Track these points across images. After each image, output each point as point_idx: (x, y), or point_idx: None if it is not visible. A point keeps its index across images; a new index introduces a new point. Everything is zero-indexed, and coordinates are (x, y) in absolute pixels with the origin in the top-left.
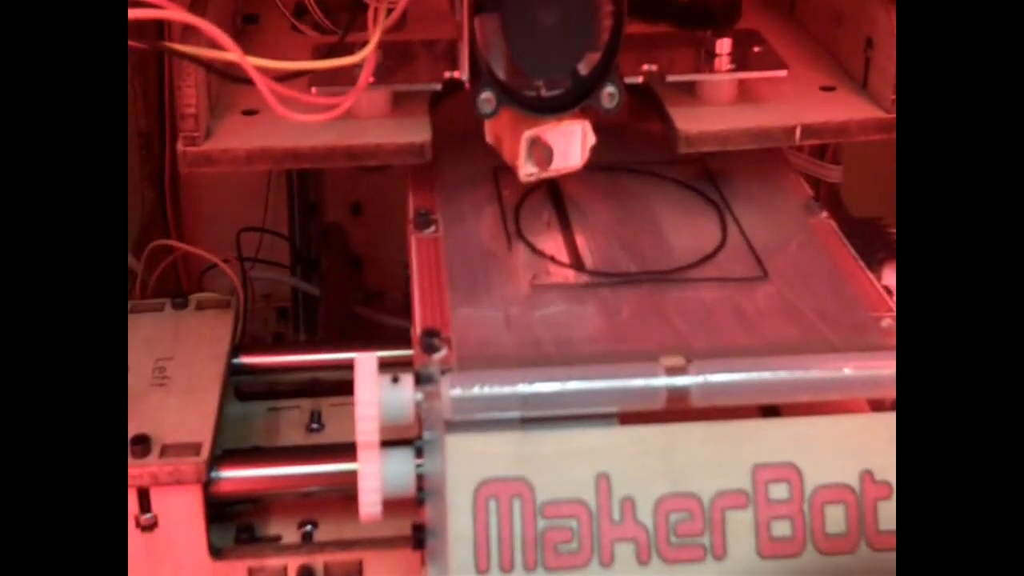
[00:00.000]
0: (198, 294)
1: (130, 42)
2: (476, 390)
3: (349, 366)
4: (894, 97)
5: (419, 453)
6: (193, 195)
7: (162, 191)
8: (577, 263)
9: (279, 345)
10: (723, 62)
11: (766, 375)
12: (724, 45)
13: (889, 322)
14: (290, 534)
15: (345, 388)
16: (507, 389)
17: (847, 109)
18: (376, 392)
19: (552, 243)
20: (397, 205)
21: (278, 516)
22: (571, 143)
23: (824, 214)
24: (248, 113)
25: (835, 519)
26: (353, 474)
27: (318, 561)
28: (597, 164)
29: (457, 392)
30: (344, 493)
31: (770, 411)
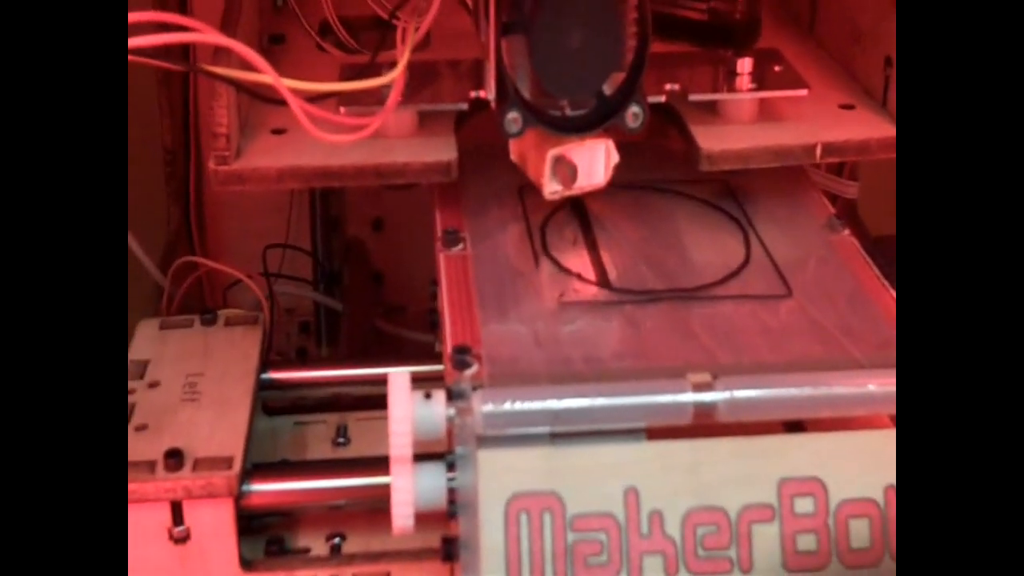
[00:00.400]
0: (226, 310)
1: (166, 63)
2: (507, 406)
3: (374, 381)
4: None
5: (451, 467)
6: (217, 211)
7: (187, 208)
8: (603, 280)
9: (305, 361)
10: (744, 81)
11: (791, 391)
12: (745, 64)
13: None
14: (319, 547)
15: (370, 403)
16: (537, 405)
17: (867, 127)
18: (409, 408)
19: (578, 261)
20: (418, 221)
21: (307, 529)
22: (595, 161)
23: (846, 231)
24: (277, 132)
25: (859, 533)
26: (380, 487)
27: (346, 573)
28: (621, 182)
29: (489, 408)
30: (371, 506)
31: (795, 427)
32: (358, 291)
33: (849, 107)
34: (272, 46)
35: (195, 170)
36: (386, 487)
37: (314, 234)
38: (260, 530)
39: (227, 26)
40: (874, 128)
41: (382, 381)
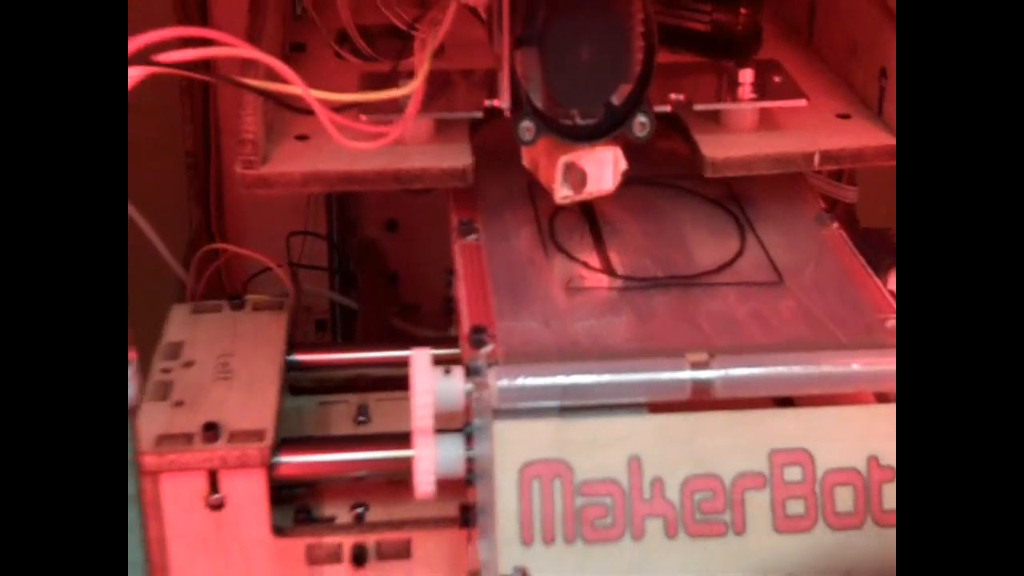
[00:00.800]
0: (253, 296)
1: (198, 75)
2: (520, 381)
3: (393, 364)
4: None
5: (468, 439)
6: (237, 214)
7: (207, 208)
8: (608, 268)
9: (329, 344)
10: (746, 91)
11: (781, 370)
12: (747, 75)
13: (893, 323)
14: (343, 515)
15: (389, 384)
16: (548, 380)
17: (863, 136)
18: (431, 382)
19: (585, 251)
20: (431, 223)
21: (332, 499)
22: (604, 168)
23: (835, 225)
24: (300, 139)
25: (844, 499)
26: (401, 460)
27: (370, 540)
28: (626, 179)
29: (504, 383)
30: (392, 478)
31: (785, 402)
32: (373, 290)
33: (846, 116)
34: (293, 54)
35: (215, 173)
36: (406, 460)
37: (331, 235)
38: (289, 500)
39: (252, 37)
40: (870, 137)
41: (400, 363)
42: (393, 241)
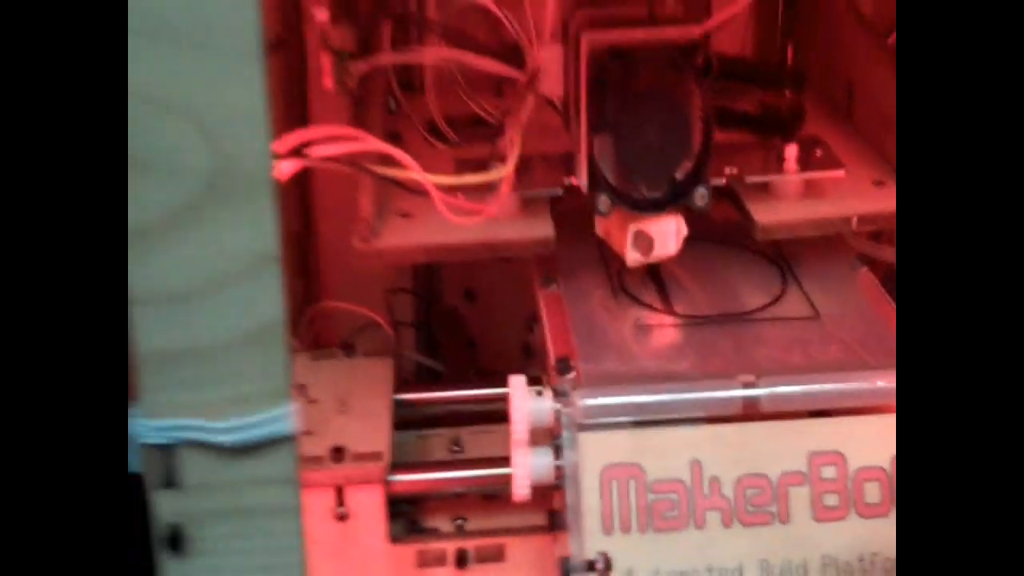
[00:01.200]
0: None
1: (341, 165)
2: (600, 400)
3: (482, 400)
4: None
5: (556, 451)
6: (330, 286)
7: (308, 279)
8: (670, 310)
9: (425, 384)
10: (791, 164)
11: (816, 387)
12: (791, 150)
13: None
14: (445, 526)
15: (477, 419)
16: (623, 400)
17: (894, 200)
18: (527, 402)
19: (650, 297)
20: (506, 293)
21: (436, 513)
22: (668, 235)
23: (864, 269)
24: (403, 215)
25: (871, 492)
26: (494, 477)
27: (470, 545)
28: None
29: (588, 401)
30: (486, 493)
31: (820, 413)
32: (453, 355)
33: (880, 183)
34: (392, 142)
35: (314, 246)
36: (499, 477)
37: (418, 297)
38: (400, 514)
39: (367, 127)
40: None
41: (489, 400)
42: (472, 310)
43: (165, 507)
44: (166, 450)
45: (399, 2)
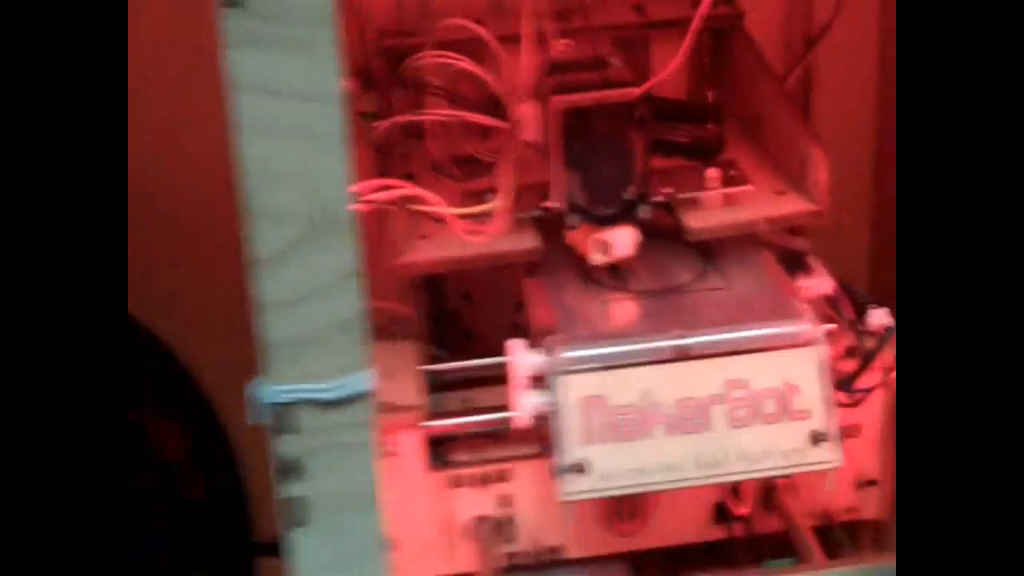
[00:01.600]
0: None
1: (387, 204)
2: (575, 353)
3: (483, 368)
4: (821, 197)
5: (544, 393)
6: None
7: None
8: (624, 288)
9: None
10: (712, 183)
11: (728, 336)
12: (713, 172)
13: (799, 305)
14: (467, 457)
15: (477, 383)
16: (591, 352)
17: (792, 205)
18: (524, 357)
19: (609, 281)
20: (496, 296)
21: (459, 449)
22: (623, 240)
23: (764, 251)
24: (422, 237)
25: (769, 406)
26: (500, 420)
27: (487, 471)
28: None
29: (566, 354)
30: (495, 432)
31: (732, 352)
32: (453, 347)
33: (782, 193)
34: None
35: None
36: (504, 419)
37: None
38: (434, 451)
39: (384, 174)
40: (798, 205)
41: (488, 368)
42: (469, 309)
43: (286, 447)
44: (287, 407)
45: (408, 70)
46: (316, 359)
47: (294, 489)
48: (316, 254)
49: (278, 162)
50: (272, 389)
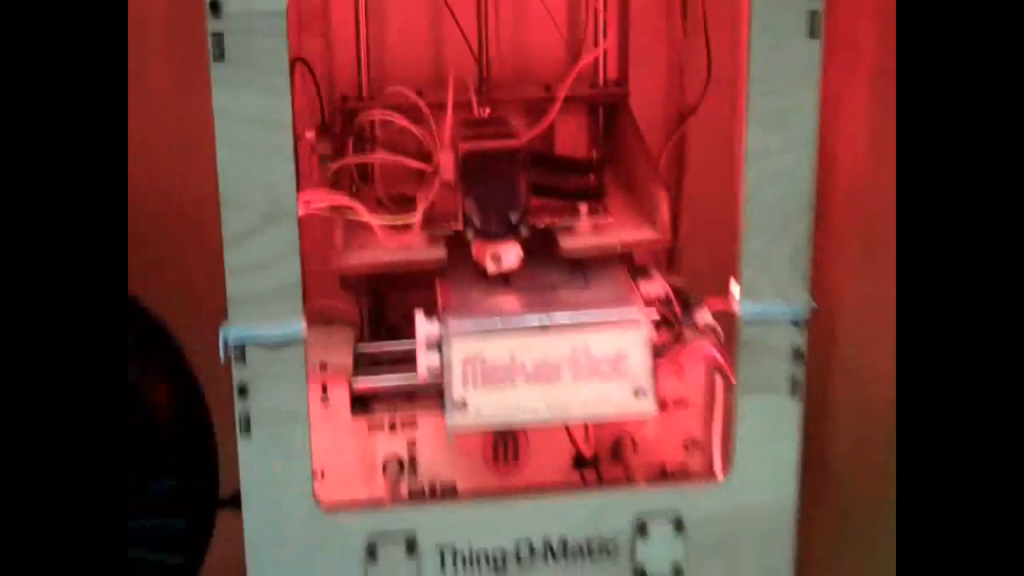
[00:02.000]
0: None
1: (329, 213)
2: (463, 324)
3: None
4: (666, 228)
5: (440, 352)
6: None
7: None
8: (508, 287)
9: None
10: (584, 216)
11: (579, 317)
12: (584, 208)
13: (635, 299)
14: (383, 408)
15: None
16: (475, 325)
17: (641, 233)
18: (425, 326)
19: (498, 282)
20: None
21: (379, 402)
22: (511, 254)
23: (617, 262)
24: (361, 247)
25: (604, 368)
26: (408, 379)
27: (397, 419)
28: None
29: (456, 325)
30: (405, 391)
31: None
32: (379, 328)
33: (639, 226)
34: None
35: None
36: (411, 377)
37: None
38: (358, 402)
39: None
40: (645, 233)
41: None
42: (392, 299)
43: (239, 374)
44: (241, 345)
45: (360, 125)
46: (265, 310)
47: (242, 407)
48: (268, 235)
49: (245, 168)
50: (232, 331)
